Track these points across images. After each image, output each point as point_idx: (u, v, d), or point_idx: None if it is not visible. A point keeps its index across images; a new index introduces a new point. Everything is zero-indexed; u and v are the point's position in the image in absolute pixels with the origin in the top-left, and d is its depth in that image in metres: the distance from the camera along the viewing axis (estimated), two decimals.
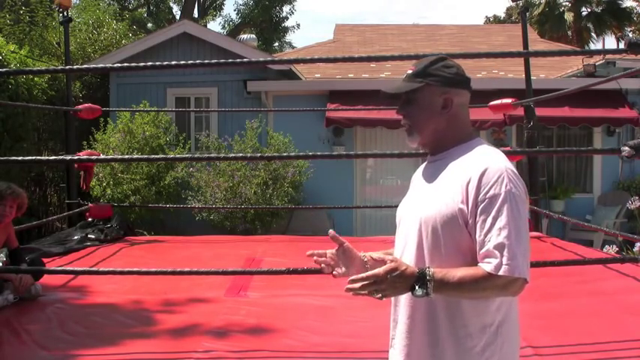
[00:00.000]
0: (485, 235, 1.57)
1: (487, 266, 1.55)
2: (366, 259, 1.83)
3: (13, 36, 11.07)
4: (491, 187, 1.58)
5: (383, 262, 1.82)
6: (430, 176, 1.76)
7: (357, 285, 1.53)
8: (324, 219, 9.85)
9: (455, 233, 1.62)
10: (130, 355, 3.20)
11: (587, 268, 4.64)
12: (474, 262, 1.59)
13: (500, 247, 1.54)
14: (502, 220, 1.56)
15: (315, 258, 1.84)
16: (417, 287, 1.53)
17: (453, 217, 1.61)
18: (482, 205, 1.58)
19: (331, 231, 1.83)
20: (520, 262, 1.54)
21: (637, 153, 3.70)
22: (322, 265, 1.83)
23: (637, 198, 5.89)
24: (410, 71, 1.76)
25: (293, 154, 8.38)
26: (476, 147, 1.71)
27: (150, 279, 4.55)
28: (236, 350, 3.23)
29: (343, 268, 1.82)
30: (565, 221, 7.33)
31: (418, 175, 1.86)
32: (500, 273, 1.53)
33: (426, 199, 1.71)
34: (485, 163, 1.62)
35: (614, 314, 3.80)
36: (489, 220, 1.57)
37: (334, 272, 1.82)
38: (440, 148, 1.76)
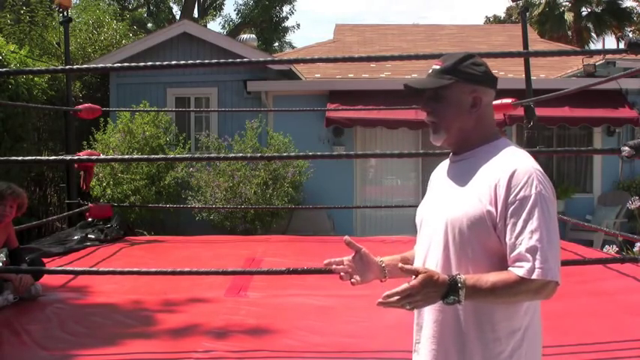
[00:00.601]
0: (517, 238, 1.54)
1: (519, 270, 1.52)
2: (383, 265, 1.80)
3: (13, 36, 11.06)
4: (521, 189, 1.56)
5: (395, 266, 1.78)
6: (455, 177, 1.72)
7: (394, 299, 1.48)
8: (324, 219, 9.85)
9: (482, 235, 1.59)
10: (130, 355, 3.20)
11: (587, 268, 4.63)
12: (500, 265, 1.57)
13: (532, 251, 1.52)
14: (533, 223, 1.53)
15: (333, 267, 1.78)
16: (449, 295, 1.49)
17: (480, 219, 1.58)
18: (513, 207, 1.55)
19: (347, 237, 1.78)
20: (552, 265, 1.52)
21: (637, 153, 3.69)
22: (341, 273, 1.77)
23: (637, 198, 5.89)
24: (437, 67, 1.71)
25: (293, 154, 8.38)
26: (502, 147, 1.68)
27: (150, 279, 4.55)
28: (236, 350, 3.23)
29: (361, 276, 1.77)
30: (565, 221, 7.33)
31: (439, 174, 1.82)
32: (534, 277, 1.50)
33: (452, 201, 1.66)
34: (514, 164, 1.59)
35: (614, 314, 3.80)
36: (520, 222, 1.54)
37: (352, 280, 1.76)
38: (465, 148, 1.72)
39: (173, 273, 4.12)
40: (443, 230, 1.65)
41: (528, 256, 1.52)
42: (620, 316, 3.74)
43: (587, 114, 9.80)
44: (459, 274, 1.52)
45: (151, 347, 3.29)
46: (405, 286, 1.49)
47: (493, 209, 1.58)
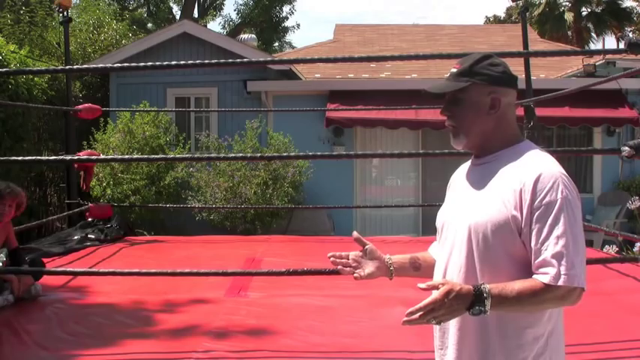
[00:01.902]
0: (542, 243, 1.52)
1: (544, 277, 1.49)
2: (390, 262, 1.79)
3: (13, 36, 11.06)
4: (547, 194, 1.53)
5: (404, 265, 1.80)
6: (478, 181, 1.68)
7: (417, 315, 1.45)
8: (324, 219, 9.85)
9: (506, 241, 1.56)
10: (130, 355, 3.20)
11: (587, 268, 4.63)
12: (524, 270, 1.55)
13: (558, 257, 1.49)
14: (559, 229, 1.51)
15: (332, 259, 1.76)
16: (474, 306, 1.46)
17: (505, 224, 1.55)
18: (538, 212, 1.53)
19: (355, 233, 1.77)
20: (578, 271, 1.50)
21: (637, 153, 3.69)
22: (339, 267, 1.76)
23: (637, 198, 5.90)
24: (454, 70, 1.68)
25: (293, 154, 8.38)
26: (526, 150, 1.65)
27: (150, 279, 4.55)
28: (236, 350, 3.23)
29: (366, 271, 1.76)
30: None
31: (460, 177, 1.78)
32: (560, 283, 1.48)
33: (475, 205, 1.63)
34: (539, 168, 1.56)
35: (614, 314, 3.80)
36: (546, 228, 1.52)
37: (355, 275, 1.75)
38: (487, 151, 1.69)
39: (173, 273, 4.12)
40: (466, 235, 1.62)
41: (554, 261, 1.50)
42: (620, 316, 3.75)
43: (587, 114, 9.80)
44: (483, 284, 1.48)
45: (151, 347, 3.30)
46: (427, 300, 1.45)
47: (518, 214, 1.55)
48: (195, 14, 23.49)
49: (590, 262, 4.56)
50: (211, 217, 9.31)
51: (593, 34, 23.69)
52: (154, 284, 4.48)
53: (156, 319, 3.78)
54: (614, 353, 3.18)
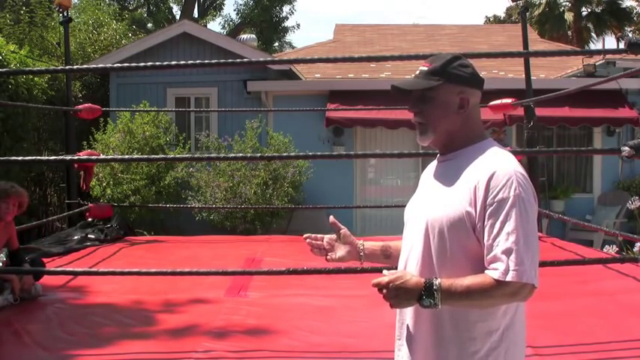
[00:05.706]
0: (494, 239, 1.54)
1: (494, 273, 1.52)
2: (362, 248, 1.89)
3: (13, 36, 11.05)
4: (500, 191, 1.56)
5: (374, 251, 1.92)
6: (439, 177, 1.74)
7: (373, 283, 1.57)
8: (324, 219, 9.83)
9: (462, 236, 1.59)
10: (130, 355, 3.20)
11: (587, 268, 4.64)
12: (481, 266, 1.57)
13: (507, 252, 1.52)
14: (510, 225, 1.53)
15: (307, 240, 1.89)
16: (424, 298, 1.51)
17: (460, 220, 1.59)
18: (491, 208, 1.56)
19: (331, 217, 1.88)
20: (528, 268, 1.52)
21: (637, 153, 3.69)
22: (313, 248, 1.89)
23: (637, 198, 5.90)
24: (425, 68, 1.72)
25: (293, 154, 8.38)
26: (486, 149, 1.68)
27: (150, 279, 4.55)
28: (236, 350, 3.23)
29: (337, 254, 1.88)
30: (565, 221, 7.33)
31: (428, 174, 1.83)
32: (508, 279, 1.50)
33: (434, 201, 1.68)
34: (495, 166, 1.60)
35: (614, 314, 3.80)
36: (497, 224, 1.54)
37: (327, 257, 1.87)
38: (450, 148, 1.73)
39: (173, 273, 4.12)
40: (424, 230, 1.67)
41: (503, 257, 1.52)
42: (620, 316, 3.74)
43: (587, 114, 9.80)
44: (435, 277, 1.53)
45: (151, 347, 3.30)
46: (374, 281, 1.56)
47: (472, 210, 1.58)
48: (195, 14, 23.49)
49: (590, 262, 4.58)
50: (211, 217, 9.31)
51: (593, 34, 23.66)
52: (154, 284, 4.48)
53: (156, 319, 3.78)
54: (614, 353, 3.18)
